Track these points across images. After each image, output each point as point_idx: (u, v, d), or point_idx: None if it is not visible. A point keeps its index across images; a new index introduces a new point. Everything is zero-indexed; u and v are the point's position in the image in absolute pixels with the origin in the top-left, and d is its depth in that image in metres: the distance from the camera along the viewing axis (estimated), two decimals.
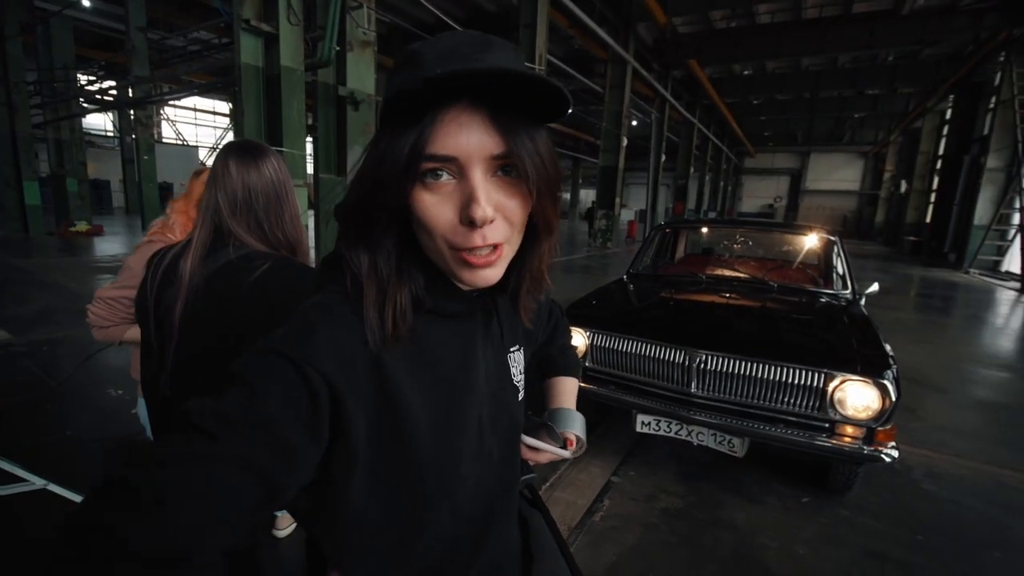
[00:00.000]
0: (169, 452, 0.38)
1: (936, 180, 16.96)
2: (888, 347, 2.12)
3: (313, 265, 1.12)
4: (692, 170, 20.99)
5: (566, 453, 0.70)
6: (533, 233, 0.50)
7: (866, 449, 1.89)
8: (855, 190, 30.31)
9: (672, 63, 15.10)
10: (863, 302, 2.84)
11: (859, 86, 17.82)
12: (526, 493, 0.69)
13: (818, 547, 1.97)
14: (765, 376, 2.02)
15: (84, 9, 11.76)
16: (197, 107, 26.03)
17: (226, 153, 1.03)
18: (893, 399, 1.85)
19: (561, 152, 22.77)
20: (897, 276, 11.20)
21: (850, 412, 1.91)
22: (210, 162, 1.52)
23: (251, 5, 5.24)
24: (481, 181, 0.43)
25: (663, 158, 17.41)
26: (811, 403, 1.98)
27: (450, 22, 8.60)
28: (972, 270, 11.98)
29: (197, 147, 24.18)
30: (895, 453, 1.90)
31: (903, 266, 13.37)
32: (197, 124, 26.60)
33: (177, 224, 1.39)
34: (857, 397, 1.90)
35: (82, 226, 11.56)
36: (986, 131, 12.60)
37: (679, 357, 2.17)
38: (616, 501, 2.23)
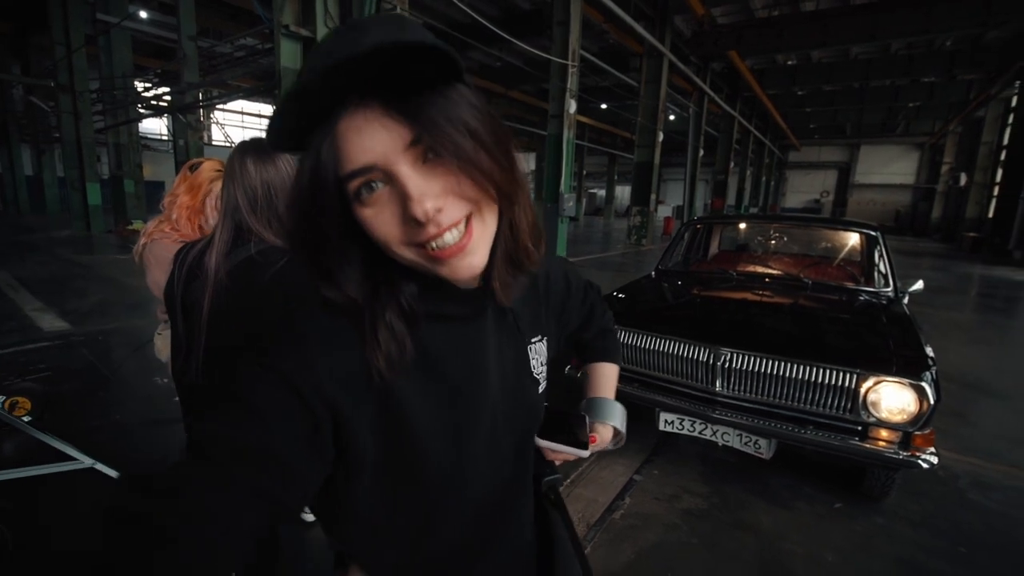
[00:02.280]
0: (179, 482, 0.38)
1: (1000, 173, 15.77)
2: (929, 348, 2.00)
3: None
4: (732, 165, 20.32)
5: (583, 453, 0.64)
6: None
7: (902, 454, 1.80)
8: (909, 184, 28.60)
9: (711, 55, 14.66)
10: (906, 300, 2.69)
11: (914, 74, 16.78)
12: (550, 495, 0.66)
13: (849, 555, 1.89)
14: (793, 375, 1.95)
15: (141, 20, 12.50)
16: (244, 111, 27.21)
17: (243, 152, 1.07)
18: (932, 402, 1.75)
19: (596, 148, 22.50)
20: (954, 275, 10.51)
21: (884, 415, 1.82)
22: (204, 157, 1.57)
23: (290, 11, 5.44)
24: (409, 176, 0.38)
25: (701, 153, 16.93)
26: (843, 404, 1.89)
27: (484, 21, 8.64)
28: None
29: None
30: (934, 459, 1.79)
31: (962, 264, 12.54)
32: (244, 127, 27.80)
33: (182, 218, 1.42)
34: (892, 399, 1.80)
35: (138, 225, 12.28)
36: None
37: (703, 355, 2.12)
38: (637, 500, 2.20)
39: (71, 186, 11.89)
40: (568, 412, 0.69)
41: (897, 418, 1.80)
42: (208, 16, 12.16)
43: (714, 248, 4.19)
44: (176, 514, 0.36)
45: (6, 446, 2.48)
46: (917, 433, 1.79)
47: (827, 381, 1.90)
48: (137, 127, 12.50)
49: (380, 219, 0.40)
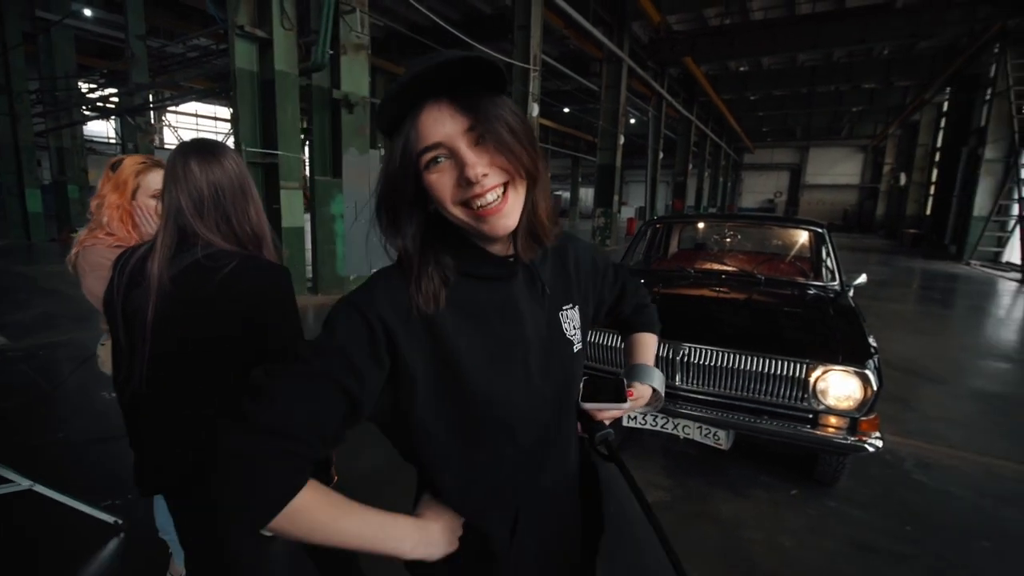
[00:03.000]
0: (281, 370, 0.55)
1: (935, 172, 16.90)
2: (872, 338, 2.12)
3: (276, 259, 1.14)
4: (691, 167, 20.97)
5: (625, 405, 0.73)
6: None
7: (849, 439, 1.90)
8: (855, 184, 30.22)
9: (667, 61, 15.10)
10: (851, 293, 2.84)
11: (855, 80, 17.80)
12: (601, 449, 0.73)
13: (804, 538, 1.98)
14: (748, 368, 2.03)
15: (85, 19, 11.85)
16: (198, 113, 26.17)
17: (185, 153, 1.03)
18: (875, 388, 1.86)
19: (559, 151, 22.85)
20: (897, 269, 11.17)
21: (832, 402, 1.91)
22: (127, 155, 1.50)
23: (245, 11, 5.28)
24: (466, 151, 0.53)
25: (661, 155, 17.39)
26: (794, 394, 1.98)
27: (445, 25, 8.62)
28: (972, 261, 11.93)
29: None
30: (879, 443, 1.90)
31: (903, 259, 13.33)
32: (199, 130, 26.72)
33: (114, 220, 1.34)
34: (839, 387, 1.90)
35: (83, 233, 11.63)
36: (983, 122, 12.55)
37: (663, 350, 2.18)
38: None
39: (7, 192, 11.13)
40: (607, 377, 0.77)
41: (844, 404, 1.90)
42: (157, 15, 11.64)
43: (674, 247, 4.31)
44: (277, 388, 0.54)
45: None
46: (863, 419, 1.90)
47: (779, 372, 1.98)
48: (82, 130, 11.83)
49: (441, 182, 0.55)
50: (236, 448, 0.51)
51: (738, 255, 3.73)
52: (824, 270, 3.10)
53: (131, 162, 1.40)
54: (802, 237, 3.62)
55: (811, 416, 1.98)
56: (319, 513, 0.52)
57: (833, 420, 1.94)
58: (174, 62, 10.39)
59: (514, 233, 0.60)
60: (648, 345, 0.92)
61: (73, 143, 11.42)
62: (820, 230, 3.16)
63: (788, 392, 2.00)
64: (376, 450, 2.41)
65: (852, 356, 1.94)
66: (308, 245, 6.52)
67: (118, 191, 1.37)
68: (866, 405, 1.87)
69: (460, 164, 0.53)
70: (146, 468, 1.14)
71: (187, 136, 25.80)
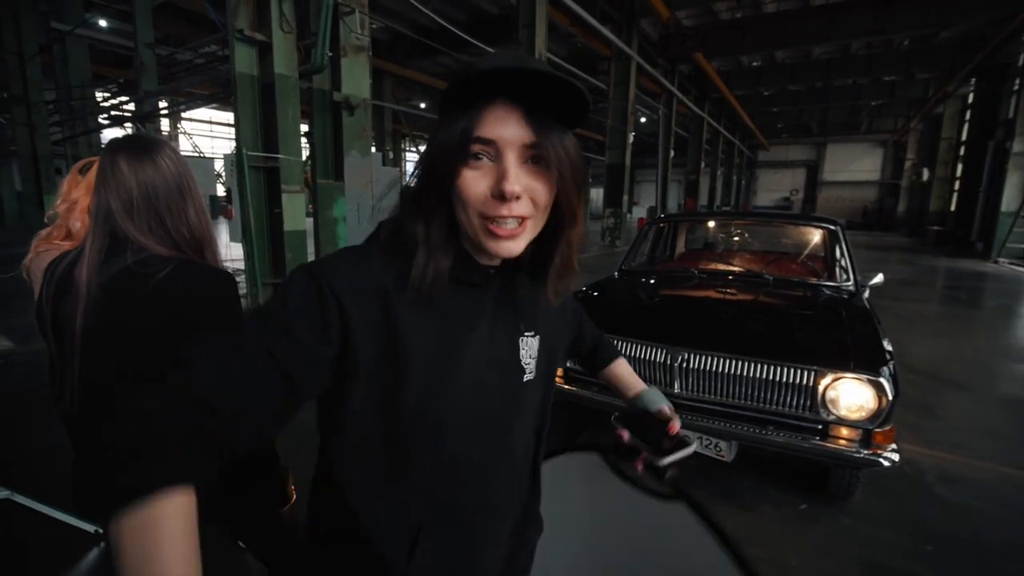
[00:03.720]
0: (215, 339, 0.49)
1: (960, 167, 16.33)
2: (888, 342, 1.96)
3: (220, 263, 1.04)
4: (703, 165, 20.62)
5: (692, 448, 0.75)
6: (560, 221, 0.57)
7: (863, 452, 1.74)
8: (875, 180, 29.44)
9: (677, 57, 14.85)
10: (866, 294, 2.67)
11: (874, 73, 17.29)
12: (669, 491, 0.75)
13: (814, 558, 1.83)
14: (751, 375, 1.88)
15: (100, 29, 12.09)
16: (213, 120, 26.60)
17: (114, 151, 0.95)
18: (890, 398, 1.70)
19: None
20: (920, 267, 10.78)
21: (844, 412, 1.76)
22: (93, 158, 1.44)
23: (244, 15, 5.27)
24: (513, 163, 0.51)
25: (672, 154, 17.12)
26: (801, 403, 1.83)
27: (450, 27, 8.57)
28: (1001, 259, 11.46)
29: (213, 159, 24.72)
30: (895, 457, 1.74)
31: (927, 257, 12.89)
32: (213, 136, 27.16)
33: (84, 226, 1.30)
34: (851, 396, 1.75)
35: None
36: (1011, 114, 12.07)
37: (660, 356, 2.05)
38: None
39: (28, 200, 11.39)
40: (633, 412, 0.81)
41: (856, 415, 1.75)
42: (167, 23, 11.82)
43: (680, 247, 4.16)
44: (214, 360, 0.48)
45: None
46: (877, 430, 1.74)
47: (785, 379, 1.84)
48: (99, 138, 12.06)
49: (476, 182, 0.51)
50: (139, 408, 0.44)
51: (746, 255, 3.57)
52: (838, 270, 2.93)
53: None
54: (815, 235, 3.44)
55: (821, 427, 1.83)
56: (171, 533, 0.41)
57: (845, 432, 1.79)
58: (182, 69, 10.52)
59: (544, 273, 0.60)
60: (630, 371, 0.92)
61: (90, 151, 11.65)
62: (833, 227, 2.99)
63: (795, 401, 1.85)
64: None
65: (865, 362, 1.78)
66: (311, 249, 6.49)
67: (90, 195, 1.31)
68: (880, 416, 1.72)
69: (501, 174, 0.50)
70: (81, 485, 1.05)
71: (201, 143, 26.24)
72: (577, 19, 9.95)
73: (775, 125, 27.90)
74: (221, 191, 22.55)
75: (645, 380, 2.10)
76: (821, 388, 1.78)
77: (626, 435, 0.77)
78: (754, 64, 18.58)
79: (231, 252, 5.92)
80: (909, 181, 23.89)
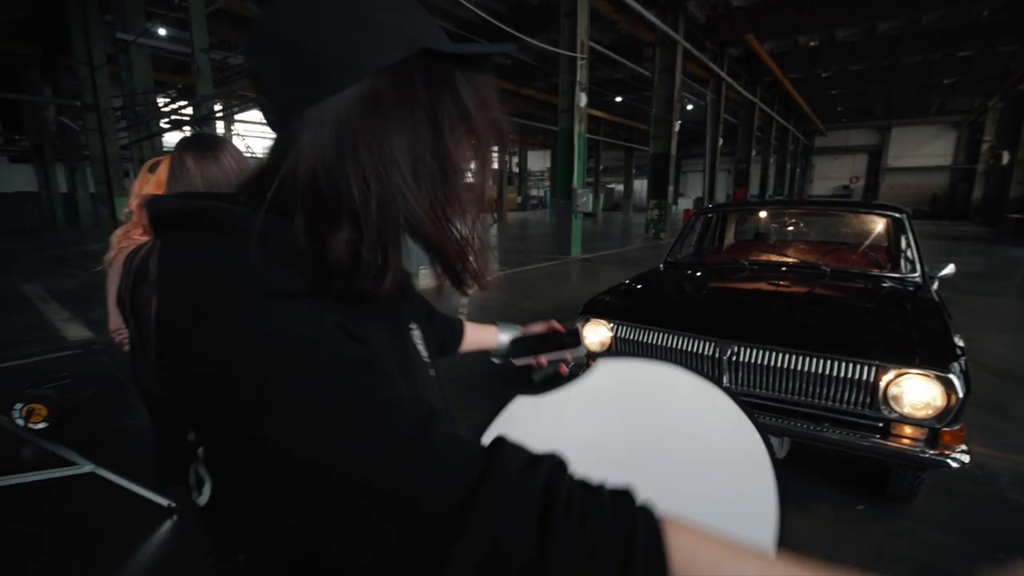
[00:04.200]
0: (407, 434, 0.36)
1: None
2: (959, 337, 1.83)
3: None
4: (754, 153, 19.74)
5: (583, 349, 0.81)
6: None
7: (928, 453, 1.65)
8: (947, 165, 27.28)
9: (727, 40, 14.26)
10: (935, 286, 2.50)
11: (948, 48, 15.94)
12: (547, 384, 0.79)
13: (870, 562, 1.75)
14: (805, 369, 1.81)
15: (159, 37, 12.86)
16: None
17: (182, 149, 1.02)
18: (960, 396, 1.59)
19: (612, 142, 22.24)
20: (997, 259, 9.93)
21: (907, 410, 1.67)
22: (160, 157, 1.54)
23: None
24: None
25: (720, 142, 16.49)
26: (861, 400, 1.75)
27: (493, 21, 8.58)
28: None
29: None
30: (965, 458, 1.64)
31: (1005, 247, 11.85)
32: (264, 137, 28.47)
33: None
34: (916, 393, 1.65)
35: None
36: None
37: (708, 349, 2.00)
38: None
39: (100, 201, 12.34)
40: (540, 334, 0.83)
41: (922, 413, 1.65)
42: (219, 29, 12.43)
43: (730, 238, 4.02)
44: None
45: (24, 452, 2.53)
46: (945, 429, 1.64)
47: (842, 374, 1.76)
48: (161, 141, 12.90)
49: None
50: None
51: (801, 245, 3.40)
52: (903, 260, 2.75)
53: (167, 162, 1.44)
54: (877, 224, 3.24)
55: (881, 425, 1.74)
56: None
57: (908, 430, 1.69)
58: (234, 72, 11.07)
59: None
60: (474, 324, 0.85)
61: (153, 154, 12.47)
62: (898, 215, 2.81)
63: (854, 397, 1.76)
64: None
65: (933, 357, 1.67)
66: None
67: (160, 189, 1.42)
68: (949, 414, 1.61)
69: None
70: (161, 460, 1.15)
71: (255, 144, 27.52)
72: (620, 5, 9.73)
73: (834, 108, 26.30)
74: None
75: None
76: (883, 384, 1.69)
77: (543, 359, 0.81)
78: (811, 44, 17.53)
79: None
80: (986, 165, 21.97)
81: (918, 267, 2.58)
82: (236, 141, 25.18)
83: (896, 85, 20.75)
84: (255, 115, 26.91)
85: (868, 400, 1.74)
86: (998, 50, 16.73)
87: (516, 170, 32.73)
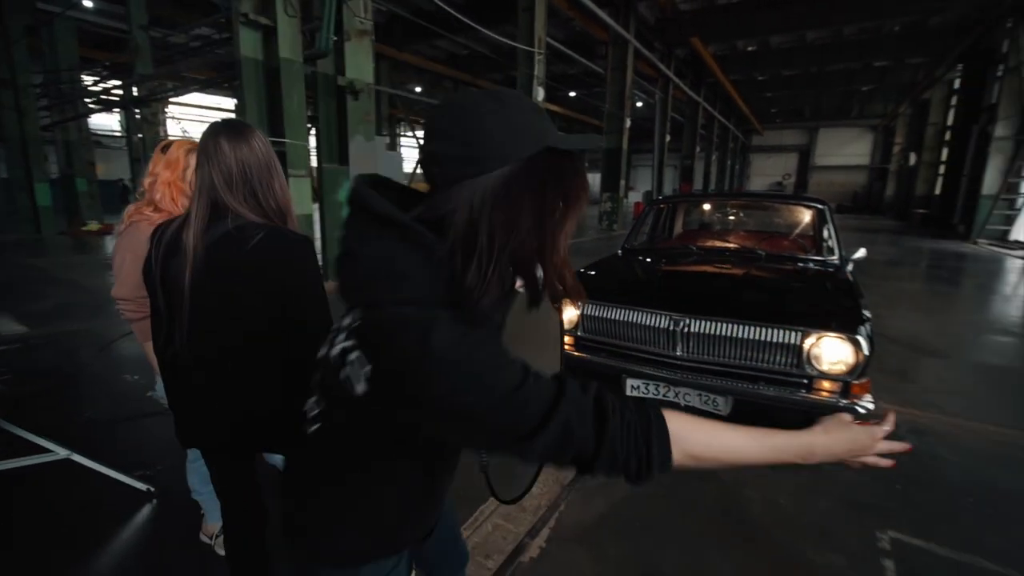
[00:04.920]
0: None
1: (945, 152, 16.66)
2: (866, 310, 2.18)
3: (300, 231, 1.22)
4: (698, 150, 20.78)
5: None
6: None
7: (842, 402, 1.98)
8: (865, 164, 29.83)
9: (674, 42, 14.92)
10: (850, 268, 2.89)
11: (866, 58, 17.52)
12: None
13: (801, 497, 2.07)
14: (745, 336, 2.10)
15: (86, 10, 11.88)
16: (202, 104, 26.18)
17: (215, 133, 1.12)
18: (866, 354, 1.93)
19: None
20: (905, 248, 11.12)
21: (825, 367, 1.99)
22: (173, 138, 1.62)
23: None
24: None
25: (668, 138, 17.26)
26: (789, 360, 2.06)
27: (450, 10, 8.58)
28: (980, 240, 11.85)
29: None
30: (871, 405, 1.98)
31: (912, 238, 13.24)
32: (203, 120, 26.75)
33: (166, 197, 1.46)
34: (831, 352, 1.98)
35: (93, 225, 11.73)
36: (994, 100, 12.35)
37: (664, 322, 2.26)
38: None
39: (17, 187, 11.30)
40: None
41: (836, 369, 1.97)
42: (159, 5, 11.65)
43: (679, 227, 4.37)
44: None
45: None
46: (855, 382, 1.97)
47: (775, 340, 2.06)
48: (87, 123, 11.94)
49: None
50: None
51: (741, 233, 3.78)
52: (824, 246, 3.15)
53: (179, 144, 1.52)
54: (804, 215, 3.67)
55: (806, 381, 2.06)
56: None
57: (827, 384, 2.02)
58: (176, 52, 10.43)
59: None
60: None
61: (79, 136, 11.54)
62: (821, 207, 3.21)
63: (784, 359, 2.07)
64: None
65: (844, 323, 2.01)
66: (318, 233, 6.62)
67: (170, 168, 1.49)
68: (858, 369, 1.95)
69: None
70: (188, 423, 1.24)
71: (191, 127, 25.83)
72: (575, 2, 10.00)
73: (769, 110, 28.08)
74: None
75: (650, 345, 2.33)
76: (806, 347, 2.01)
77: None
78: (749, 49, 18.66)
79: None
80: (897, 165, 24.25)
81: (836, 251, 2.98)
82: (171, 125, 23.30)
83: (823, 90, 22.49)
84: (192, 98, 25.25)
85: (795, 361, 2.05)
86: (907, 61, 18.51)
87: None
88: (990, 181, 11.79)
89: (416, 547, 0.84)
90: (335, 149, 6.39)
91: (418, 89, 21.37)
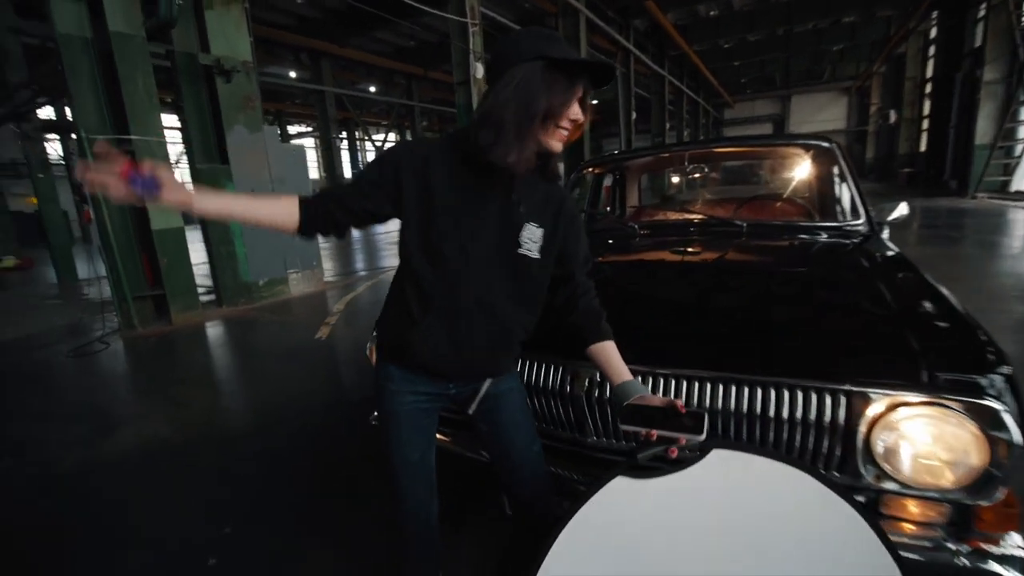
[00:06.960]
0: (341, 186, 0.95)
1: (927, 105, 15.76)
2: (980, 328, 1.05)
3: None
4: (668, 127, 19.69)
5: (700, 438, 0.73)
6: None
7: (955, 548, 0.84)
8: (842, 128, 28.97)
9: (629, 9, 13.82)
10: (886, 234, 1.78)
11: (834, 14, 16.51)
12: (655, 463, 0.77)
13: None
14: (732, 407, 0.96)
15: None
16: None
17: None
18: (1017, 440, 0.79)
19: None
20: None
21: (911, 474, 0.85)
22: None
23: None
24: (579, 110, 0.87)
25: (635, 116, 16.14)
26: (825, 455, 0.92)
27: None
28: (980, 194, 10.88)
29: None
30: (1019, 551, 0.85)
31: (902, 199, 12.28)
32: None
33: None
34: (927, 440, 0.83)
35: (8, 261, 10.42)
36: (978, 43, 11.41)
37: (563, 384, 1.11)
38: None
39: None
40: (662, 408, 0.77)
41: (944, 481, 0.84)
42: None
43: (633, 200, 3.22)
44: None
45: None
46: (984, 504, 0.84)
47: (784, 413, 0.92)
48: None
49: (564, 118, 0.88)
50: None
51: (711, 200, 2.64)
52: (837, 206, 2.03)
53: None
54: (800, 165, 2.52)
55: (863, 500, 0.92)
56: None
57: (913, 510, 0.89)
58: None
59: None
60: (619, 356, 0.97)
61: None
62: (827, 145, 2.08)
63: (814, 450, 0.93)
64: None
65: (952, 367, 0.87)
66: (200, 248, 5.38)
67: None
68: (991, 479, 0.81)
69: (575, 114, 0.86)
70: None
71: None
72: None
73: (739, 80, 27.08)
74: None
75: (553, 425, 1.21)
76: (863, 428, 0.87)
77: (655, 433, 0.76)
78: (712, 14, 17.55)
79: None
80: (876, 126, 23.46)
81: (862, 211, 1.85)
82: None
83: (792, 53, 21.49)
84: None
85: (838, 455, 0.91)
86: (878, 15, 17.57)
87: None
88: (983, 130, 10.83)
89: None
90: (212, 143, 5.14)
91: (372, 88, 20.02)
